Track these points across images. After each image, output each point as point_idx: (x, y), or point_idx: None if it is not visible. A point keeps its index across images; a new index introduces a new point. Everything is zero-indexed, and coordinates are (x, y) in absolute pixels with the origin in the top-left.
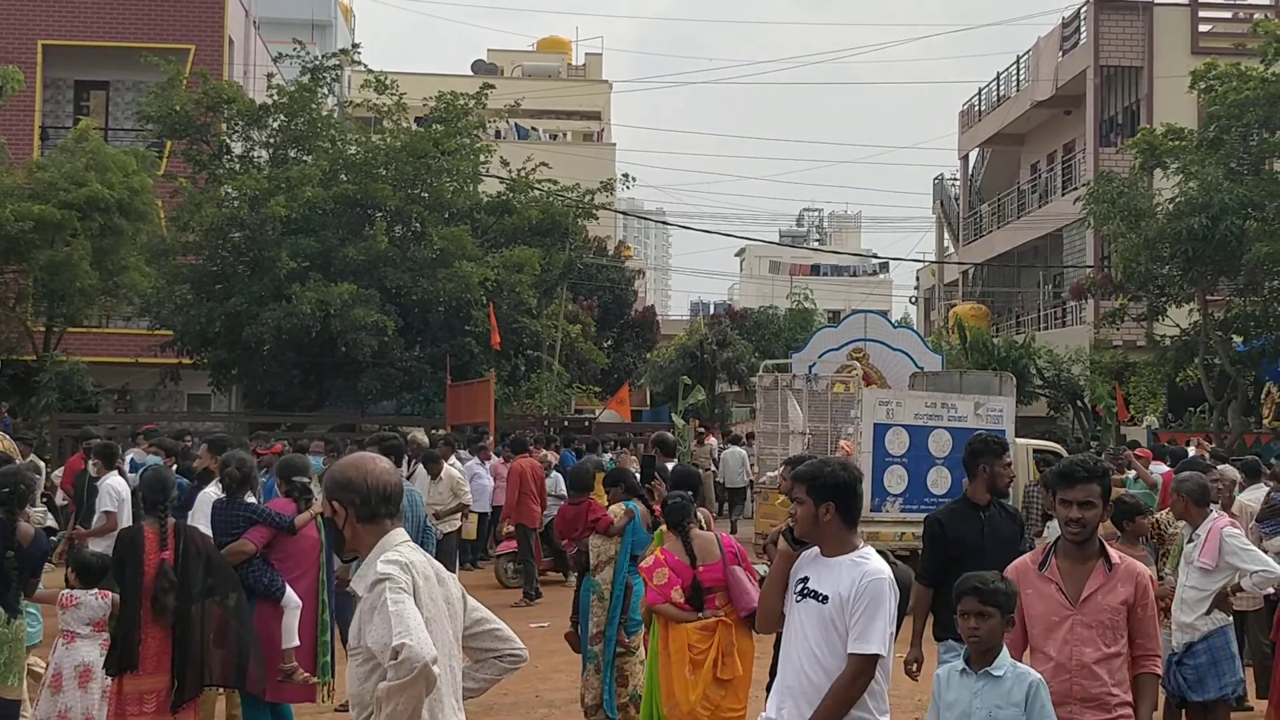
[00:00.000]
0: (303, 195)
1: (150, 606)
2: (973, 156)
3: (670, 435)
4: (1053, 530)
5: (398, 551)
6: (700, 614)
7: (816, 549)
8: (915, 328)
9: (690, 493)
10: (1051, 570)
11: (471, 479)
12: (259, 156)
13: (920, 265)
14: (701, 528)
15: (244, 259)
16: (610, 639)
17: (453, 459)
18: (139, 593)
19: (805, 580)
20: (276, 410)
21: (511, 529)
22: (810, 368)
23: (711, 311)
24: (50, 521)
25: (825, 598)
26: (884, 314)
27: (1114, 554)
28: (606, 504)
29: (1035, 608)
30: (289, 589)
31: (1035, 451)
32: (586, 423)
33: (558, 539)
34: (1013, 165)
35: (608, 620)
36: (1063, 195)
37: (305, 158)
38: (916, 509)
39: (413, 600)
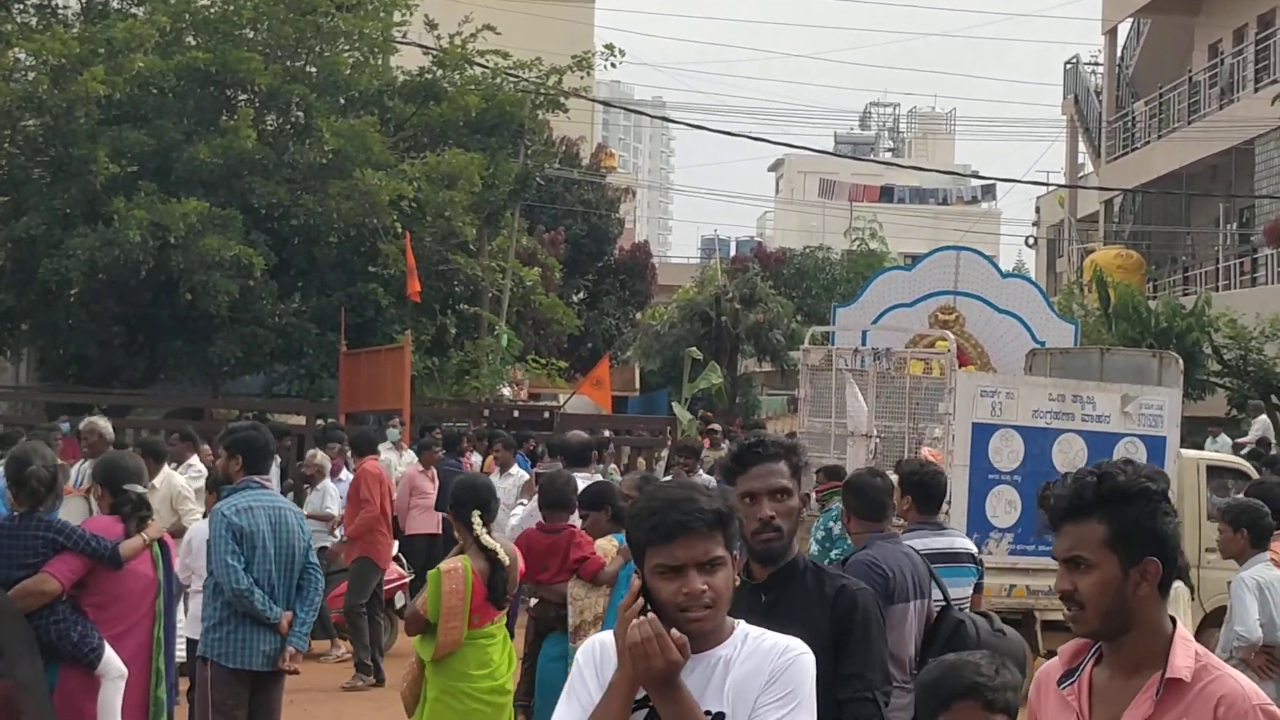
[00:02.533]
0: (130, 66)
1: None
2: (1123, 31)
3: (715, 430)
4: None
5: None
6: None
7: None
8: (1034, 280)
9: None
10: (1079, 687)
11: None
12: (64, 7)
13: (1043, 191)
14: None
15: (41, 159)
16: None
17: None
18: None
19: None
20: (88, 385)
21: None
22: (864, 335)
23: (733, 253)
24: None
25: (720, 716)
26: (988, 257)
27: (1185, 659)
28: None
29: None
30: (109, 649)
31: (1211, 470)
32: (546, 413)
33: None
34: (1183, 45)
35: None
36: (1256, 91)
37: (135, 10)
38: (1034, 550)
39: None
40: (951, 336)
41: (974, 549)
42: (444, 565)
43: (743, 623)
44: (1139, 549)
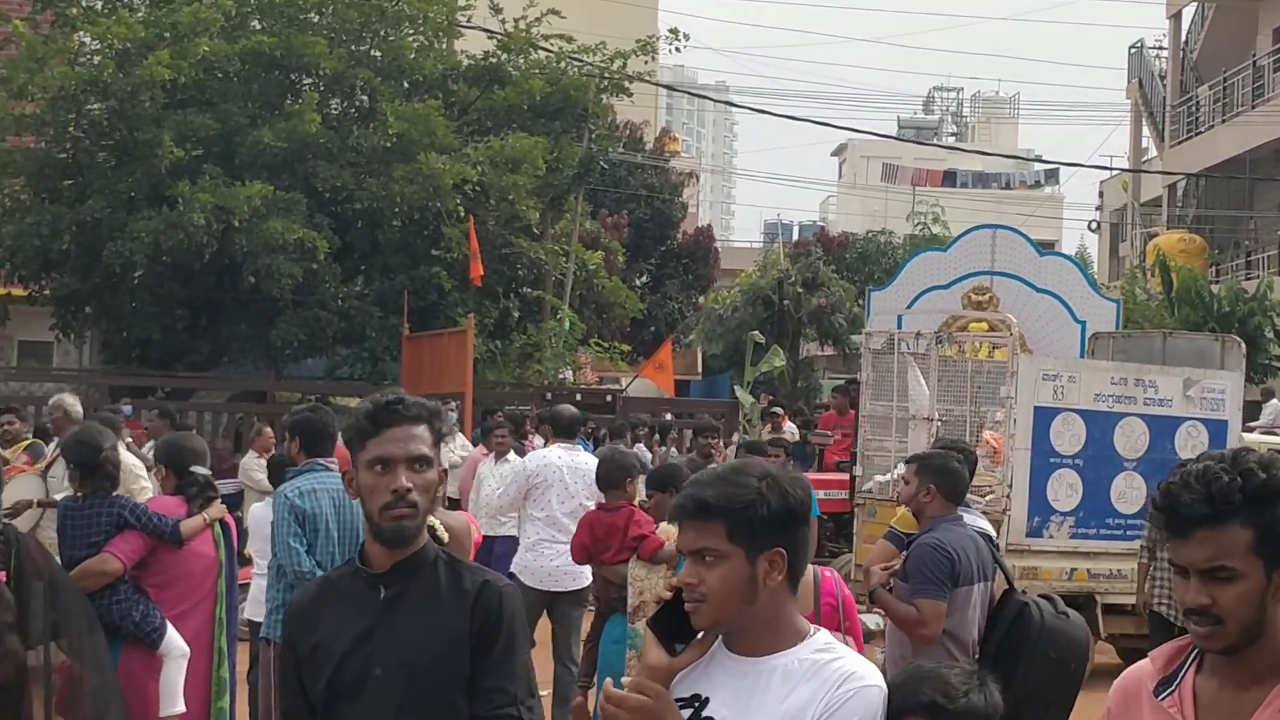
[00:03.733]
0: (195, 50)
1: None
2: (1188, 15)
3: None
4: None
5: None
6: None
7: (719, 642)
8: (1091, 263)
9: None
10: (1181, 696)
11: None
12: None
13: (1107, 175)
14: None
15: (106, 143)
16: None
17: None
18: None
19: (698, 703)
20: (151, 368)
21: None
22: (899, 319)
23: (796, 237)
24: None
25: None
26: (1025, 234)
27: None
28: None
29: None
30: (171, 629)
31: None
32: (609, 397)
33: (578, 560)
34: (1248, 28)
35: None
36: None
37: None
38: (1095, 534)
39: None
40: (1011, 321)
41: (991, 530)
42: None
43: (822, 631)
44: None
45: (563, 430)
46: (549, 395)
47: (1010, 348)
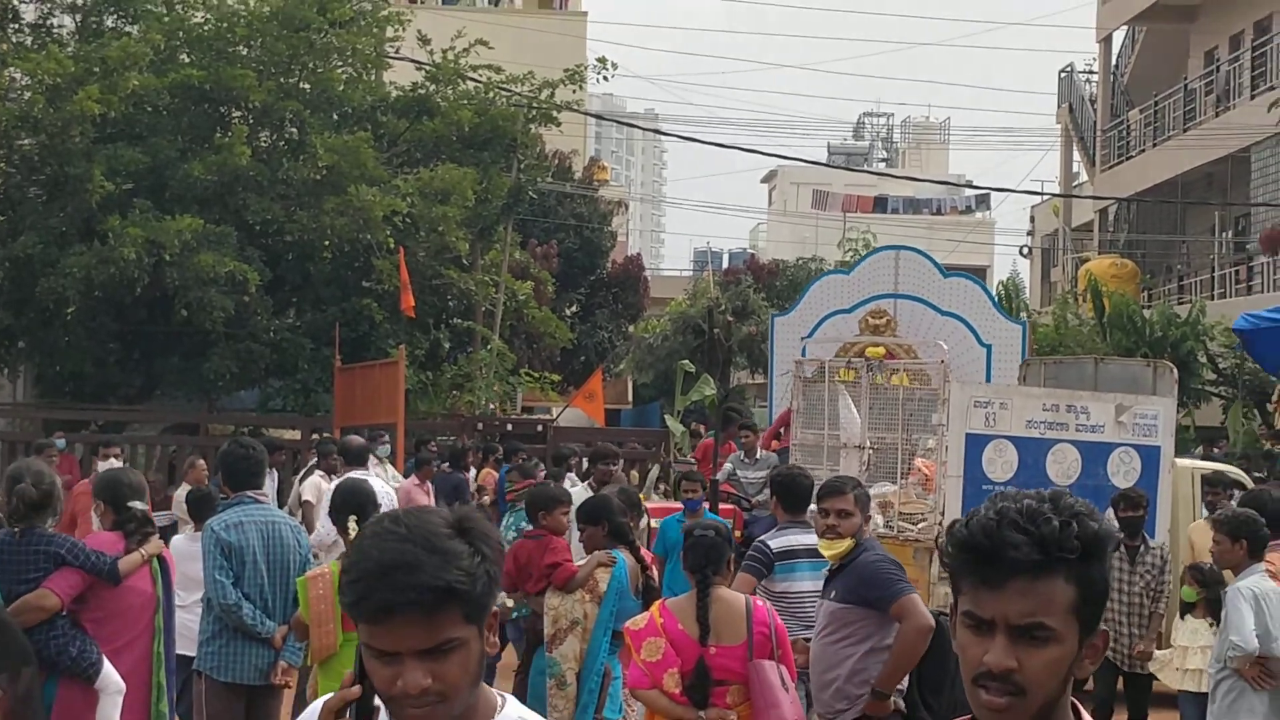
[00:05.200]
0: (125, 85)
1: None
2: (1118, 39)
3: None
4: None
5: None
6: (701, 714)
7: None
8: (1023, 288)
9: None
10: None
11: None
12: (59, 27)
13: (1038, 200)
14: (730, 585)
15: (37, 178)
16: None
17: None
18: None
19: None
20: (84, 401)
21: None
22: (803, 340)
23: (726, 265)
24: None
25: None
26: (929, 256)
27: None
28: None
29: None
30: (107, 665)
31: (1205, 480)
32: (539, 427)
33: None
34: (1178, 52)
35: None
36: (1252, 98)
37: (129, 29)
38: None
39: None
40: (944, 347)
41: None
42: (311, 572)
43: (511, 701)
44: (1096, 616)
45: (353, 459)
46: (480, 426)
47: (939, 375)
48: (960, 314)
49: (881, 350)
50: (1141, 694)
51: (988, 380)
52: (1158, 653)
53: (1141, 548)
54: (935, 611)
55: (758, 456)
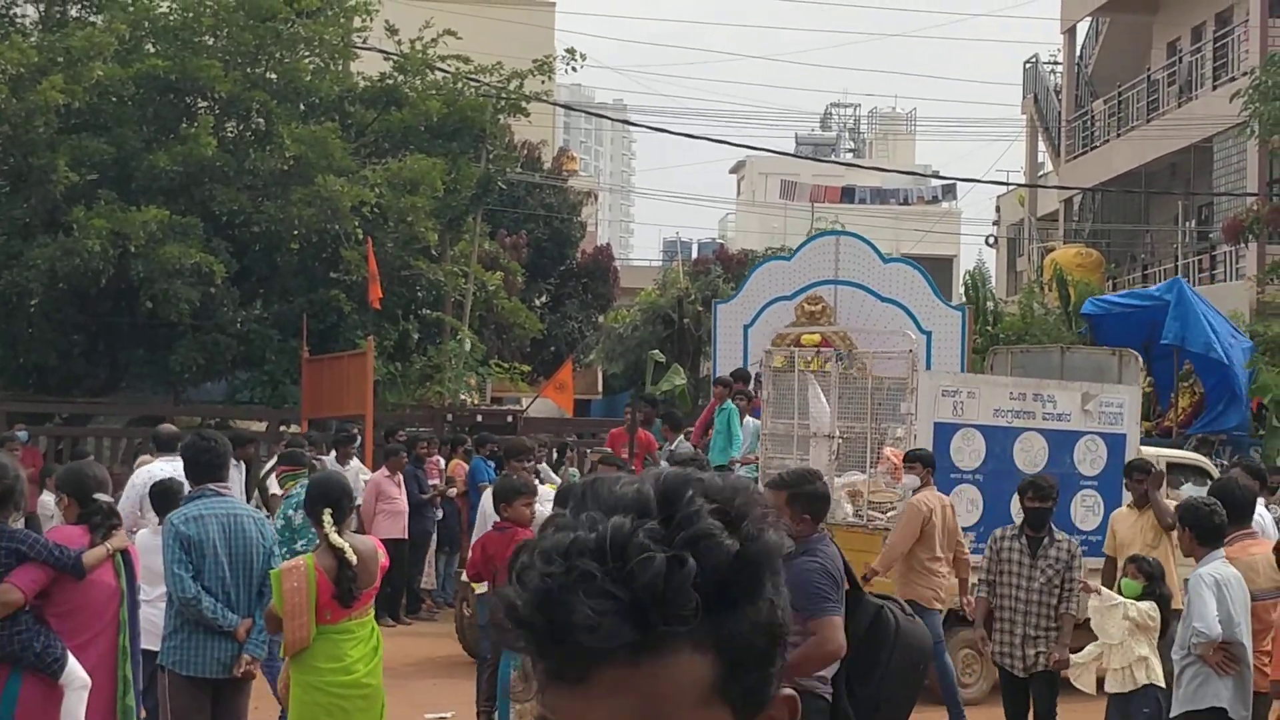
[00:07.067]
0: (90, 75)
1: None
2: (1082, 30)
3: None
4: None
5: None
6: None
7: None
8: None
9: None
10: None
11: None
12: (22, 16)
13: (1004, 190)
14: None
15: (1, 169)
16: None
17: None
18: None
19: None
20: (48, 394)
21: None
22: (745, 328)
23: (695, 255)
24: None
25: None
26: (869, 241)
27: None
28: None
29: None
30: (72, 660)
31: (1170, 467)
32: (509, 418)
33: (471, 579)
34: (1142, 43)
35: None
36: (1215, 89)
37: (93, 18)
38: None
39: None
40: (914, 338)
41: None
42: (285, 564)
43: None
44: (763, 681)
45: (164, 446)
46: (449, 417)
47: (909, 364)
48: (900, 300)
49: (817, 338)
50: (1049, 690)
51: (928, 367)
52: (1074, 657)
53: (1046, 540)
54: (880, 597)
55: (672, 447)
